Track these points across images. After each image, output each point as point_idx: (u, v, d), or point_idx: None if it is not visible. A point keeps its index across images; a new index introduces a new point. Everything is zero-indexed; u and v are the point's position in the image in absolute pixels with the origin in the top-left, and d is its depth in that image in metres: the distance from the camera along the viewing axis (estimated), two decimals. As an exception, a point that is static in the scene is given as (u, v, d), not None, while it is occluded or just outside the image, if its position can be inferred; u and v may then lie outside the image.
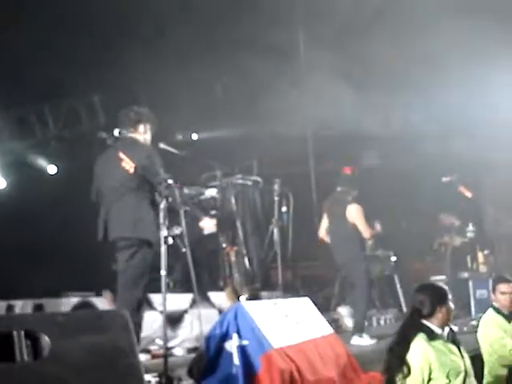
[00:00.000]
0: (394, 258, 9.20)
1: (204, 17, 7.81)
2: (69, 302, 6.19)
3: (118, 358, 3.18)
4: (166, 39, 7.83)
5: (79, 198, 7.57)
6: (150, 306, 5.80)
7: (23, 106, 8.74)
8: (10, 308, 6.00)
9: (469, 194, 8.57)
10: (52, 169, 8.71)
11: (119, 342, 3.23)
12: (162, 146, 5.46)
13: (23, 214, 8.10)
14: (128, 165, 4.62)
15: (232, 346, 4.04)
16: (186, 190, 5.76)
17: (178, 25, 7.64)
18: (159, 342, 4.75)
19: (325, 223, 7.36)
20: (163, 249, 4.11)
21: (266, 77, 7.90)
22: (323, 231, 7.39)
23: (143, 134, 5.06)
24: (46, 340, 3.09)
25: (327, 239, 7.37)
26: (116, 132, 4.73)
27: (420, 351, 3.79)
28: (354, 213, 6.97)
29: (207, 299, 6.50)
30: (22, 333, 3.04)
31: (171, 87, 8.06)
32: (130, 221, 4.72)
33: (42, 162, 8.69)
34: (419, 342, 3.83)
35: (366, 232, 6.99)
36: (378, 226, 7.37)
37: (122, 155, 4.65)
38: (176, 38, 7.75)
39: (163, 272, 4.14)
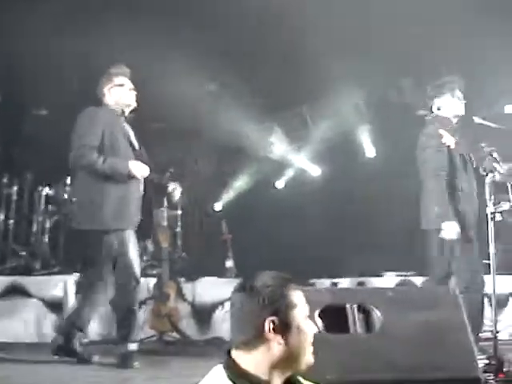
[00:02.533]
0: None
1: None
2: (389, 281, 6.31)
3: (449, 335, 3.15)
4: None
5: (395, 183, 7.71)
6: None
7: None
8: (334, 285, 6.32)
9: None
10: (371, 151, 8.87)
11: (449, 319, 3.20)
12: (476, 119, 5.17)
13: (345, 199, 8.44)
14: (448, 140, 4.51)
15: None
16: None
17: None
18: (487, 323, 4.56)
19: None
20: (490, 226, 3.93)
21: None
22: None
23: None
24: (377, 314, 3.20)
25: None
26: (435, 107, 4.67)
27: None
28: None
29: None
30: (355, 306, 3.20)
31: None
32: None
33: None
34: None
35: None
36: None
37: (442, 131, 4.56)
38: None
39: (492, 250, 3.96)
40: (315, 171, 9.14)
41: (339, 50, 6.65)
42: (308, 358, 1.86)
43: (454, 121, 4.87)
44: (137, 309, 4.41)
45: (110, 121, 4.45)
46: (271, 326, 1.80)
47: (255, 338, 1.81)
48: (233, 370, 1.81)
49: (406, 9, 6.32)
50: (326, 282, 6.38)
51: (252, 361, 1.81)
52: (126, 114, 4.60)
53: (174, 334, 5.49)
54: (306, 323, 1.87)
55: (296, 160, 9.14)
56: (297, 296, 1.87)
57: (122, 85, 4.56)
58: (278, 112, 8.72)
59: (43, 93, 7.53)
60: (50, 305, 5.39)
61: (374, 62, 7.20)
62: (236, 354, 1.83)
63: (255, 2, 6.38)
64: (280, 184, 9.20)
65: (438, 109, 4.79)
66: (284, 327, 1.81)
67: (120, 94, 4.55)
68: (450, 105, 4.85)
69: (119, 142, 4.44)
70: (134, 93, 4.60)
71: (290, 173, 9.24)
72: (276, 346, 1.80)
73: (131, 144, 4.51)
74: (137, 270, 4.35)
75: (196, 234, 7.95)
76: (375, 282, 6.33)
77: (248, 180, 8.88)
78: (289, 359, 1.82)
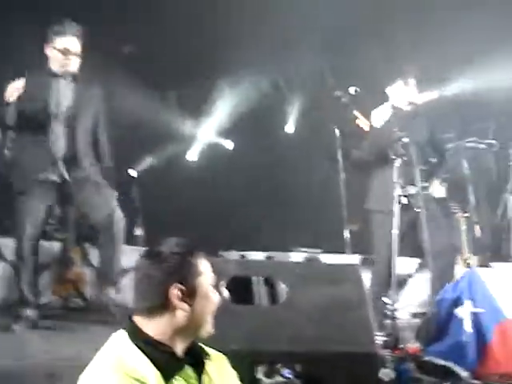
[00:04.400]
0: None
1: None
2: (297, 256, 6.44)
3: (350, 310, 3.25)
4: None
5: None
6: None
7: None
8: (242, 258, 6.39)
9: None
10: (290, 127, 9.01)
11: (351, 295, 3.30)
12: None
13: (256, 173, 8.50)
14: (363, 123, 4.62)
15: (464, 312, 3.92)
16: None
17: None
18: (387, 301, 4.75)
19: None
20: (396, 208, 4.07)
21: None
22: None
23: None
24: (282, 287, 3.26)
25: None
26: (352, 90, 4.75)
27: None
28: None
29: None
30: (261, 279, 3.25)
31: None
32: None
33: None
34: None
35: None
36: None
37: (357, 113, 4.66)
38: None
39: (395, 231, 4.10)
40: (228, 145, 9.19)
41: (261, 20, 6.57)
42: (209, 326, 1.87)
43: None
44: None
45: None
46: (178, 293, 1.79)
47: (160, 305, 1.79)
48: (135, 334, 1.79)
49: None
50: (234, 255, 6.43)
51: (155, 326, 1.79)
52: None
53: (78, 300, 5.39)
54: (212, 292, 1.87)
55: (206, 134, 9.13)
56: (203, 264, 1.86)
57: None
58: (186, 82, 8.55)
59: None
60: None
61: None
62: (138, 320, 1.81)
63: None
64: (192, 157, 9.17)
65: (355, 91, 4.89)
66: (190, 295, 1.80)
67: None
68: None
69: None
70: None
71: (201, 146, 9.23)
72: (181, 312, 1.79)
73: None
74: None
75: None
76: (284, 257, 6.44)
77: (159, 153, 8.78)
78: (192, 326, 1.81)
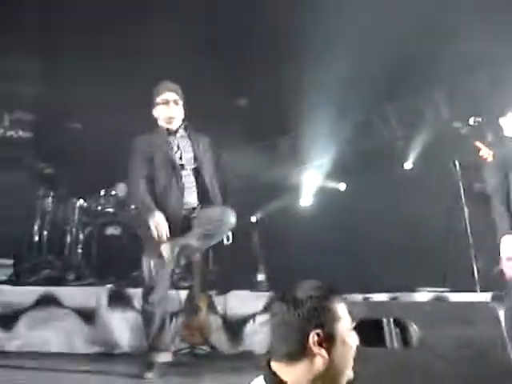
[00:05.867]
0: None
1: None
2: (422, 297, 6.21)
3: (488, 351, 3.07)
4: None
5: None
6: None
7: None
8: (366, 300, 6.23)
9: None
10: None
11: (488, 336, 3.12)
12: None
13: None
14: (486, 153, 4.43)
15: None
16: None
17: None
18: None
19: None
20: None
21: None
22: None
23: None
24: (414, 328, 3.13)
25: None
26: (471, 120, 4.59)
27: None
28: None
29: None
30: (392, 320, 3.14)
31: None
32: None
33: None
34: None
35: None
36: None
37: (479, 144, 4.48)
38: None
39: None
40: (341, 187, 9.20)
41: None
42: (349, 372, 1.81)
43: None
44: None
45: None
46: (316, 339, 1.74)
47: (298, 351, 1.75)
48: (274, 382, 1.76)
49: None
50: (358, 297, 6.29)
51: (293, 374, 1.75)
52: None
53: (205, 348, 5.47)
54: (350, 336, 1.81)
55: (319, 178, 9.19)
56: (341, 308, 1.81)
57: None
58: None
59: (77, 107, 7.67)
60: (83, 316, 5.41)
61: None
62: (276, 367, 1.78)
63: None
64: (305, 202, 9.25)
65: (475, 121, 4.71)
66: (329, 340, 1.75)
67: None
68: None
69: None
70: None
71: (314, 190, 9.29)
72: (319, 359, 1.75)
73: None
74: None
75: (227, 246, 7.95)
76: (408, 298, 6.22)
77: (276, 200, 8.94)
78: (331, 373, 1.77)
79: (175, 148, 4.50)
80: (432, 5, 6.49)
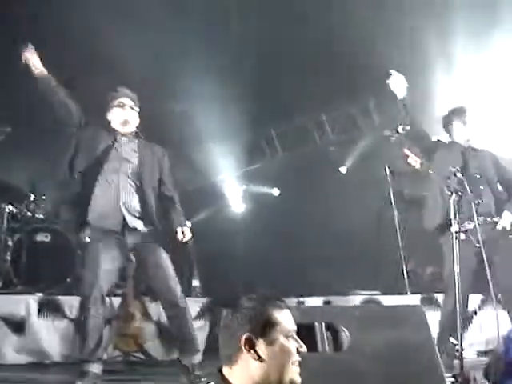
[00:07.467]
0: None
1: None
2: (355, 300, 6.32)
3: (416, 354, 3.16)
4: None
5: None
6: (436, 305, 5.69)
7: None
8: (299, 304, 6.31)
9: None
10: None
11: (416, 338, 3.21)
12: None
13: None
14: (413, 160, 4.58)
15: (535, 349, 3.76)
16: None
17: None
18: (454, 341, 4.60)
19: None
20: (455, 244, 3.97)
21: None
22: None
23: None
24: (345, 333, 3.19)
25: None
26: (400, 128, 4.72)
27: None
28: None
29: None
30: (323, 325, 3.19)
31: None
32: None
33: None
34: None
35: None
36: None
37: (407, 151, 4.62)
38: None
39: (456, 268, 3.99)
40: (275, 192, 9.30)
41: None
42: (292, 376, 1.87)
43: None
44: None
45: None
46: (246, 342, 1.84)
47: (235, 354, 1.86)
48: None
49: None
50: (292, 301, 6.36)
51: (237, 376, 1.85)
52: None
53: (140, 355, 5.41)
54: (287, 342, 1.87)
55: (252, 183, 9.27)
56: (279, 314, 1.90)
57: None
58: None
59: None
60: (11, 325, 5.25)
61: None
62: (225, 370, 1.89)
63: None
64: (238, 208, 9.31)
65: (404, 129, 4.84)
66: (262, 344, 1.85)
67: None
68: None
69: None
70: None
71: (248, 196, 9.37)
72: (253, 362, 1.83)
73: None
74: None
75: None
76: (341, 302, 6.32)
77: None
78: (270, 376, 1.85)
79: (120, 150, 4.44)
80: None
